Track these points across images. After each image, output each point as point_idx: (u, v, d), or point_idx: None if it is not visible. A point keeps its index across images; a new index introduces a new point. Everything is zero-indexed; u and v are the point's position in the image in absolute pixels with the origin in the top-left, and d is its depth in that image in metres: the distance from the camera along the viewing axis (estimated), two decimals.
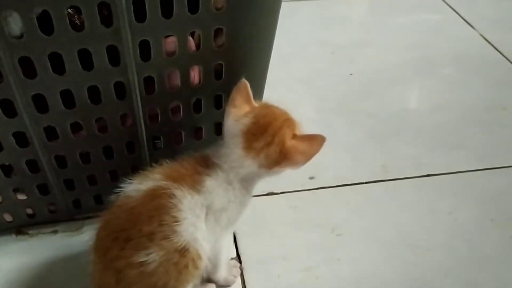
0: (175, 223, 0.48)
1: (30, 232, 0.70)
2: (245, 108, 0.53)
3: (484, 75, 1.06)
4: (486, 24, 1.24)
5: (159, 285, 0.49)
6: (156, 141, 0.66)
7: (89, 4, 0.47)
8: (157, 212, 0.48)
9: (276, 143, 0.50)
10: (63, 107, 0.55)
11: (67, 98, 0.54)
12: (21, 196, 0.64)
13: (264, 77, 0.67)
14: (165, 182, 0.50)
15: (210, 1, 0.52)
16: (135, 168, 0.66)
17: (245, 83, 0.54)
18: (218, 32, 0.56)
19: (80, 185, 0.65)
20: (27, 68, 0.50)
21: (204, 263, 0.51)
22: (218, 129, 0.67)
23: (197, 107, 0.63)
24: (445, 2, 1.34)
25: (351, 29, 1.22)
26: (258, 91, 0.68)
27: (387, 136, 0.89)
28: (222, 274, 0.61)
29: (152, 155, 0.65)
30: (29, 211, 0.67)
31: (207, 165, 0.52)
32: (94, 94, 0.55)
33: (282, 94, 0.99)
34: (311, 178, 0.80)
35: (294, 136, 0.52)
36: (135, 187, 0.51)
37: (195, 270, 0.51)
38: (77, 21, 0.50)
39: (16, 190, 0.64)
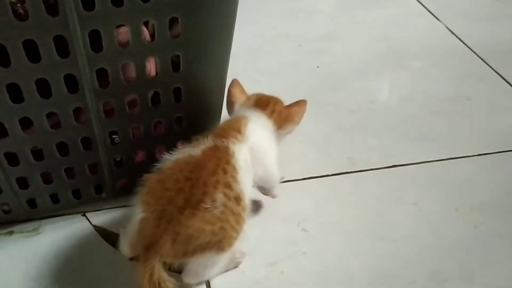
0: (235, 171, 0.55)
1: None
2: (243, 97, 0.68)
3: (449, 66, 1.07)
4: (451, 16, 1.25)
5: (216, 240, 0.52)
6: (114, 136, 0.63)
7: None
8: (220, 162, 0.55)
9: (277, 112, 0.66)
10: (10, 102, 0.52)
11: (15, 92, 0.51)
12: None
13: (225, 68, 0.65)
14: (218, 140, 0.58)
15: None
16: (93, 165, 0.64)
17: (237, 80, 0.70)
18: (173, 21, 0.54)
19: (34, 184, 0.62)
20: None
21: (247, 215, 0.57)
22: (179, 122, 0.65)
23: (155, 100, 0.61)
24: None
25: (318, 22, 1.21)
26: (219, 82, 0.66)
27: (354, 128, 0.88)
28: (276, 193, 0.69)
29: (110, 151, 0.63)
30: None
31: (245, 117, 0.63)
32: (44, 87, 0.52)
33: (249, 88, 0.96)
34: None
35: (284, 107, 0.68)
36: (190, 150, 0.57)
37: (243, 221, 0.56)
38: (21, 10, 0.47)
39: None
